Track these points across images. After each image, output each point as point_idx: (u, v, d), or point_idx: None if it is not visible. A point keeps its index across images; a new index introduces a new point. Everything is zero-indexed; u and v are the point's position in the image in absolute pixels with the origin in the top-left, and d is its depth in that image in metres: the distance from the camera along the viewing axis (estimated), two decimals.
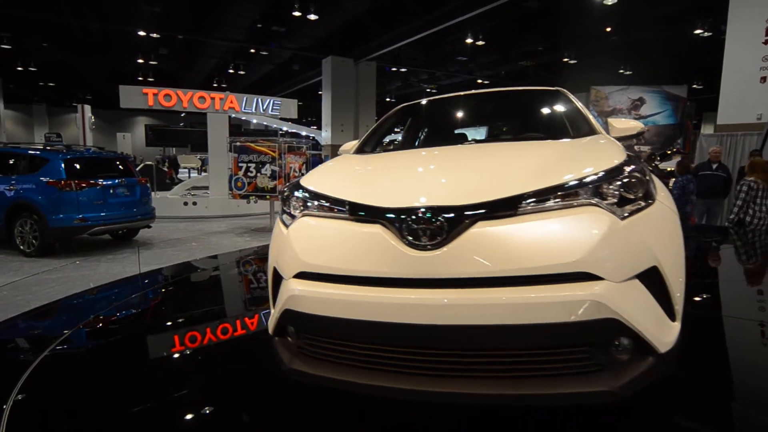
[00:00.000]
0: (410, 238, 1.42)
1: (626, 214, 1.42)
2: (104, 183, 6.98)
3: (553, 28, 17.43)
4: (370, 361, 1.47)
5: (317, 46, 20.57)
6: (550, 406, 1.41)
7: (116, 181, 7.17)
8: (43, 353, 2.30)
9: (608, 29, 17.43)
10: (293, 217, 1.76)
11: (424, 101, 3.09)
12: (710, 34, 15.83)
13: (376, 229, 1.49)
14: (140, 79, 23.90)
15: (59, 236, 6.93)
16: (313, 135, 23.54)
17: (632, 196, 1.46)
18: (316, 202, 1.71)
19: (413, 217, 1.42)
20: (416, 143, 2.92)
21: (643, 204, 1.47)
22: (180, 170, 23.56)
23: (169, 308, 3.40)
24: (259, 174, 8.53)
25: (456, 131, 2.98)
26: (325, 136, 22.98)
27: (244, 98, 10.72)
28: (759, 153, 6.28)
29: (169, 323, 2.96)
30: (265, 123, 21.62)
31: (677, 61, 18.28)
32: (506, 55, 20.66)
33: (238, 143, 8.53)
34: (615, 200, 1.44)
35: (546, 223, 1.39)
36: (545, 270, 1.31)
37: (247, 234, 8.55)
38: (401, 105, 3.06)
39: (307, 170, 9.64)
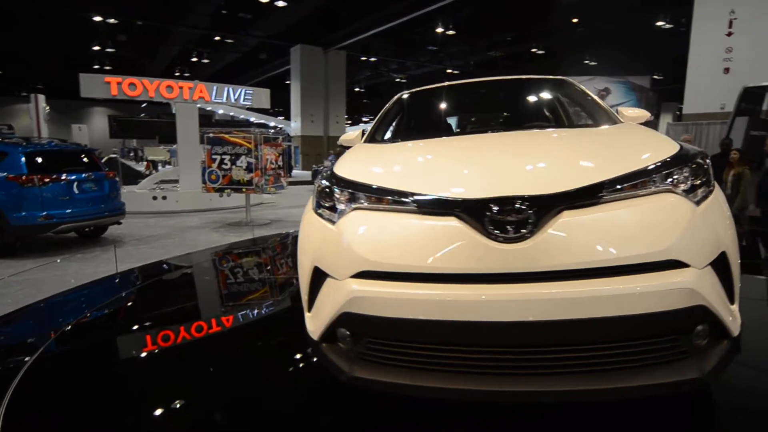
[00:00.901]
0: (495, 230, 1.32)
1: (698, 200, 1.42)
2: (69, 178, 6.56)
3: (522, 19, 17.61)
4: (448, 363, 1.38)
5: (285, 33, 20.09)
6: (635, 399, 1.38)
7: (82, 175, 6.75)
8: (35, 354, 2.13)
9: (575, 20, 17.78)
10: (337, 211, 1.60)
11: (433, 88, 2.97)
12: (671, 26, 16.39)
13: (453, 222, 1.38)
14: (97, 67, 22.72)
15: (22, 235, 6.49)
16: (281, 126, 23.09)
17: (699, 182, 1.46)
18: (368, 195, 1.56)
19: (498, 208, 1.33)
20: (437, 131, 2.80)
21: (707, 189, 1.47)
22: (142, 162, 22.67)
23: (166, 310, 3.22)
24: (234, 166, 8.24)
25: (473, 118, 2.91)
26: (294, 126, 22.58)
27: (214, 87, 10.32)
28: (729, 140, 6.57)
29: (171, 327, 2.79)
30: (231, 114, 21.10)
31: (640, 52, 18.85)
32: (476, 45, 20.78)
33: (211, 134, 8.21)
34: (686, 186, 1.43)
35: (631, 211, 1.35)
36: (638, 259, 1.28)
37: (223, 228, 8.28)
38: (406, 92, 2.94)
39: (284, 162, 9.43)
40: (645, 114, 2.42)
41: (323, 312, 1.55)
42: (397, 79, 26.98)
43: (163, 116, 13.05)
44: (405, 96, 2.92)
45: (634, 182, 1.40)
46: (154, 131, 11.89)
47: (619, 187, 1.38)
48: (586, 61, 21.17)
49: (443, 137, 2.23)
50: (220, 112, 20.19)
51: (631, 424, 1.48)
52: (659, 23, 16.30)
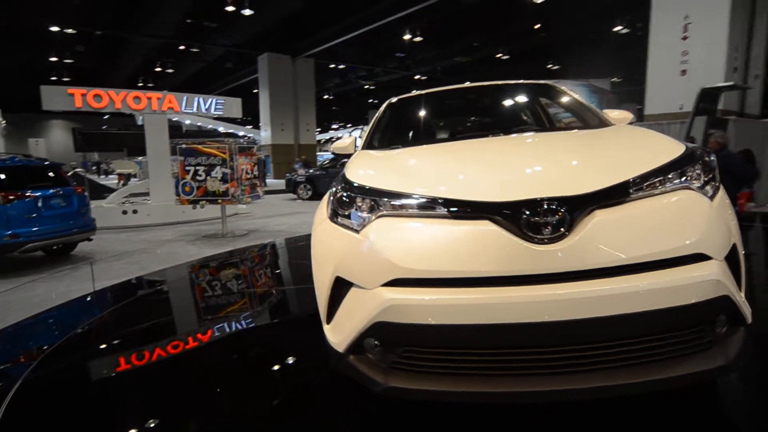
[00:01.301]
0: (531, 232, 1.34)
1: (710, 195, 1.50)
2: (36, 194, 6.28)
3: (487, 25, 18.02)
4: (487, 366, 1.38)
5: (252, 42, 19.89)
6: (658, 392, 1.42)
7: (50, 191, 6.47)
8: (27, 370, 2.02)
9: (537, 26, 18.32)
10: (360, 219, 1.57)
11: (429, 93, 2.98)
12: (628, 31, 17.10)
13: (488, 226, 1.38)
14: (54, 78, 21.86)
15: None
16: (251, 135, 22.76)
17: (709, 178, 1.54)
18: (394, 202, 1.54)
19: (533, 209, 1.35)
20: (439, 136, 2.79)
21: (716, 185, 1.55)
22: (109, 176, 21.78)
23: (159, 325, 3.11)
24: (209, 177, 8.05)
25: (473, 123, 2.94)
26: (264, 135, 22.29)
27: (184, 98, 10.09)
28: (692, 138, 6.88)
29: (168, 343, 2.70)
30: (198, 123, 20.65)
31: (600, 56, 19.56)
32: (443, 51, 21.09)
33: (184, 146, 8.01)
34: (700, 183, 1.51)
35: (658, 208, 1.41)
36: (669, 254, 1.33)
37: (199, 241, 8.07)
38: (396, 98, 2.95)
39: (260, 171, 9.29)
40: (629, 115, 2.53)
41: (350, 323, 1.51)
42: (366, 86, 27.10)
43: (131, 128, 12.65)
44: (398, 101, 2.93)
45: (656, 180, 1.47)
46: (122, 143, 11.51)
47: (643, 185, 1.45)
48: (549, 66, 21.80)
49: (451, 141, 2.24)
50: (187, 122, 19.74)
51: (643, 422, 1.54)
52: (617, 28, 16.97)
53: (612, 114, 2.50)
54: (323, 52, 20.87)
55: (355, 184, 1.69)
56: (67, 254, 7.36)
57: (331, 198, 1.75)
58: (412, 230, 1.48)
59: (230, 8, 15.29)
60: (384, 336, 1.46)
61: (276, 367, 2.17)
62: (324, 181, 14.41)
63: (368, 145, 2.55)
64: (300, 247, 6.38)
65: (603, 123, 2.31)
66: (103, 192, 13.36)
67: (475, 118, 3.29)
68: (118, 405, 1.97)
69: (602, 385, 1.31)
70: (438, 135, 2.63)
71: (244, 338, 2.75)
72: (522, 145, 2.07)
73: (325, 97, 28.93)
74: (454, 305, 1.34)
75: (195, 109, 10.23)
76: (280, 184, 18.07)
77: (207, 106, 10.44)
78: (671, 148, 1.63)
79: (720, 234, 1.42)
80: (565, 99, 2.66)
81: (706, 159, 1.57)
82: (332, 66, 23.09)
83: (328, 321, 1.64)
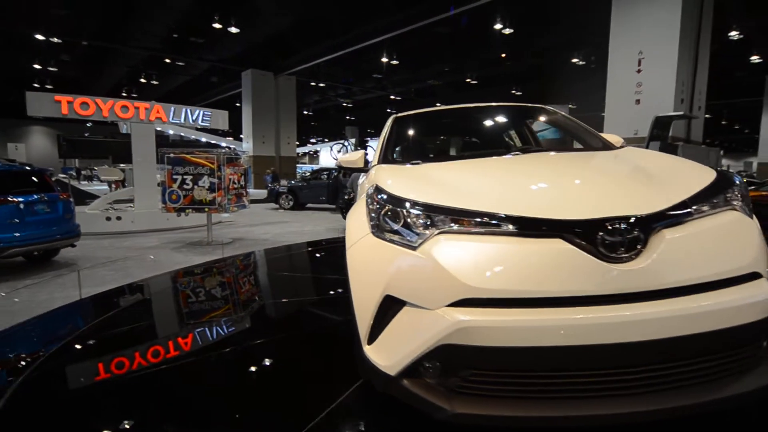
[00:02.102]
0: (606, 251, 1.26)
1: (748, 215, 1.48)
2: (20, 200, 5.83)
3: (458, 52, 18.29)
4: (561, 389, 1.26)
5: (237, 58, 19.51)
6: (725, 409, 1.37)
7: (34, 196, 6.02)
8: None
9: (503, 55, 18.74)
10: (415, 235, 1.42)
11: (433, 111, 2.89)
12: (584, 63, 17.71)
13: (560, 244, 1.28)
14: (36, 85, 20.80)
15: None
16: (233, 146, 22.26)
17: (744, 199, 1.52)
18: (452, 217, 1.40)
19: (608, 228, 1.28)
20: (451, 152, 2.68)
21: (749, 206, 1.53)
22: (93, 182, 20.72)
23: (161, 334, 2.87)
24: (196, 186, 7.73)
25: (478, 141, 2.88)
26: (246, 147, 21.86)
27: (172, 108, 9.70)
28: None
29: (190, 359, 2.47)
30: (181, 134, 20.04)
31: (558, 84, 20.16)
32: (417, 74, 21.26)
33: (172, 155, 7.67)
34: (739, 203, 1.49)
35: (713, 228, 1.38)
36: (732, 273, 1.30)
37: (184, 248, 7.71)
38: (405, 114, 2.85)
39: (246, 182, 9.00)
40: (619, 139, 2.52)
41: (404, 344, 1.35)
42: (344, 104, 27.01)
43: (117, 136, 12.08)
44: (406, 117, 2.84)
45: (706, 201, 1.44)
46: (107, 151, 10.96)
47: (698, 205, 1.41)
48: (513, 91, 22.31)
49: (483, 158, 2.14)
50: (171, 132, 19.11)
51: None
52: (574, 60, 17.54)
53: (609, 138, 2.48)
54: (305, 71, 20.71)
55: (405, 199, 1.53)
56: (49, 260, 6.87)
57: (372, 212, 1.59)
58: (481, 248, 1.34)
59: (217, 26, 14.98)
60: (450, 359, 1.30)
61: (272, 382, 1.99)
62: (305, 192, 14.16)
63: (383, 159, 2.42)
64: (290, 257, 6.17)
65: (608, 146, 2.28)
66: (85, 198, 12.68)
67: (491, 137, 3.24)
68: (106, 416, 1.75)
69: (671, 407, 1.23)
70: (454, 152, 2.53)
71: (250, 352, 2.55)
72: (560, 164, 1.99)
73: (305, 112, 28.66)
74: (532, 327, 1.22)
75: (182, 120, 9.85)
76: (262, 193, 17.66)
77: (194, 117, 10.07)
78: (704, 170, 1.63)
79: (764, 251, 1.39)
80: (569, 122, 2.63)
81: (739, 181, 1.54)
82: (313, 84, 22.91)
83: (370, 341, 1.48)
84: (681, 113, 8.67)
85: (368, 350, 1.49)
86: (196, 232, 9.39)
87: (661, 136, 8.57)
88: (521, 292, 1.26)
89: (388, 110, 28.30)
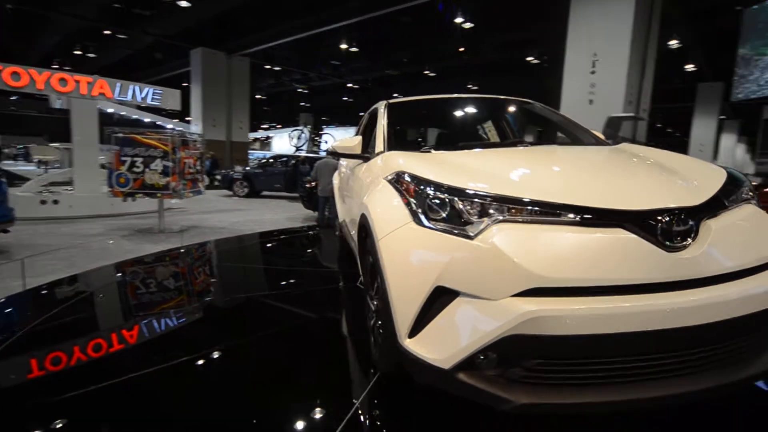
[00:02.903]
0: (664, 240, 1.33)
1: (761, 207, 1.63)
2: None
3: (417, 43, 18.34)
4: (624, 374, 1.30)
5: (186, 35, 18.38)
6: None
7: None
8: None
9: (461, 49, 19.00)
10: (469, 223, 1.40)
11: (432, 99, 2.90)
12: (538, 61, 18.36)
13: (623, 233, 1.32)
14: None
15: None
16: (181, 128, 21.07)
17: (753, 194, 1.67)
18: (510, 206, 1.39)
19: (666, 218, 1.34)
20: (460, 141, 2.68)
21: (756, 199, 1.68)
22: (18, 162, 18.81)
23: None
24: (147, 169, 7.22)
25: (495, 131, 2.91)
26: (194, 130, 20.76)
27: (118, 84, 8.97)
28: None
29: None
30: (122, 112, 18.69)
31: (514, 81, 20.77)
32: (375, 63, 21.09)
33: (120, 135, 7.11)
34: (750, 197, 1.65)
35: (742, 218, 1.51)
36: (765, 259, 1.43)
37: (134, 236, 7.20)
38: (400, 100, 2.80)
39: (202, 166, 8.54)
40: (602, 136, 2.65)
41: (459, 336, 1.32)
42: (299, 89, 26.32)
43: (54, 112, 11.00)
44: (403, 105, 2.80)
45: (731, 195, 1.57)
46: (42, 128, 9.96)
47: (729, 198, 1.54)
48: (469, 86, 22.73)
49: (508, 148, 2.18)
50: (109, 110, 17.76)
51: None
52: (529, 58, 18.14)
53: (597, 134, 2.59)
54: (260, 53, 19.93)
55: (455, 188, 1.49)
56: None
57: (414, 200, 1.53)
58: (545, 237, 1.33)
59: None
60: (516, 349, 1.28)
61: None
62: (261, 179, 13.70)
63: (390, 146, 2.35)
64: (255, 246, 5.93)
65: (600, 141, 2.40)
66: (13, 179, 11.50)
67: (496, 127, 3.30)
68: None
69: (724, 383, 1.33)
70: (458, 141, 2.52)
71: (221, 352, 2.42)
72: (588, 156, 2.05)
73: (257, 96, 27.66)
74: (605, 314, 1.24)
75: (130, 98, 9.17)
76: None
77: (143, 95, 9.40)
78: (713, 166, 1.77)
79: None
80: (562, 117, 2.70)
81: (745, 178, 1.71)
82: (267, 67, 22.12)
83: (412, 334, 1.42)
84: (632, 114, 9.21)
85: (409, 343, 1.45)
86: (145, 218, 8.83)
87: (613, 135, 9.07)
88: (589, 281, 1.28)
89: (345, 98, 27.94)
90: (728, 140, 22.33)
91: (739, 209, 1.55)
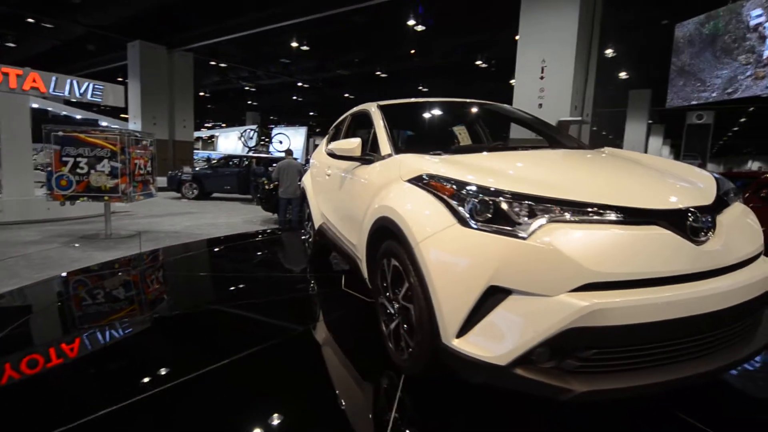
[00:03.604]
0: (693, 235, 1.51)
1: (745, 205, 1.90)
2: None
3: (369, 44, 18.41)
4: (668, 356, 1.45)
5: (122, 26, 17.24)
6: None
7: None
8: None
9: (412, 51, 19.31)
10: (518, 224, 1.46)
11: (424, 102, 2.96)
12: (486, 65, 19.04)
13: (658, 230, 1.48)
14: None
15: None
16: (117, 126, 19.75)
17: (737, 194, 1.92)
18: (558, 207, 1.48)
19: (692, 216, 1.53)
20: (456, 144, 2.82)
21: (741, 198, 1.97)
22: None
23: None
24: (93, 171, 6.72)
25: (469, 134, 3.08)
26: (134, 129, 19.52)
27: (53, 78, 8.22)
28: None
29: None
30: (49, 108, 17.19)
31: (462, 84, 21.42)
32: (327, 63, 20.92)
33: (61, 133, 6.56)
34: (738, 197, 1.90)
35: (738, 215, 1.75)
36: (761, 248, 1.70)
37: (79, 243, 6.67)
38: (392, 103, 2.82)
39: (153, 167, 8.04)
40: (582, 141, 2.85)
41: (516, 332, 1.39)
42: (247, 87, 25.52)
43: None
44: (394, 107, 2.83)
45: (728, 195, 1.80)
46: None
47: (727, 197, 1.78)
48: (420, 88, 23.14)
49: (524, 151, 2.28)
50: (35, 105, 16.26)
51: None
52: (478, 62, 18.77)
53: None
54: (204, 48, 19.12)
55: (500, 190, 1.56)
56: None
57: (457, 203, 1.59)
58: (595, 235, 1.44)
59: None
60: (574, 341, 1.37)
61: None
62: (212, 180, 13.16)
63: (397, 148, 2.36)
64: (220, 252, 5.69)
65: (582, 145, 2.58)
66: None
67: (475, 131, 3.38)
68: None
69: (745, 356, 1.55)
70: (457, 143, 2.63)
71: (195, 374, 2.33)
72: (600, 161, 2.19)
73: (201, 93, 26.49)
74: (657, 303, 1.38)
75: (67, 93, 8.46)
76: (161, 181, 15.95)
77: (82, 91, 8.71)
78: (702, 170, 2.02)
79: None
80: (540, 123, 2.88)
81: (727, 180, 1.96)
82: (213, 63, 21.25)
83: (461, 334, 1.46)
84: (579, 118, 9.80)
85: (458, 343, 1.48)
86: (86, 224, 8.21)
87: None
88: (636, 274, 1.41)
89: (294, 97, 27.44)
90: (655, 142, 24.35)
91: (734, 207, 1.78)
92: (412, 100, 3.01)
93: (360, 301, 3.21)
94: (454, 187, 1.64)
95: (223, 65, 21.68)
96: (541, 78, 10.88)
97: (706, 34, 8.31)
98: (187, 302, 3.52)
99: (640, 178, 1.85)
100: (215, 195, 13.58)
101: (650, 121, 21.85)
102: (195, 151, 23.39)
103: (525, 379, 1.39)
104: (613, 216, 1.49)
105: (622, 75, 18.41)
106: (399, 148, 2.38)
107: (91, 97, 8.77)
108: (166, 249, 5.88)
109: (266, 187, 8.86)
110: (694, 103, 9.05)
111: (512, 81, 11.76)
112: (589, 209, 1.50)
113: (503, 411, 1.77)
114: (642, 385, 1.41)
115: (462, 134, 3.80)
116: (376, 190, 2.18)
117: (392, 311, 1.99)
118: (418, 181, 1.82)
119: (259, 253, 5.65)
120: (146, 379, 2.01)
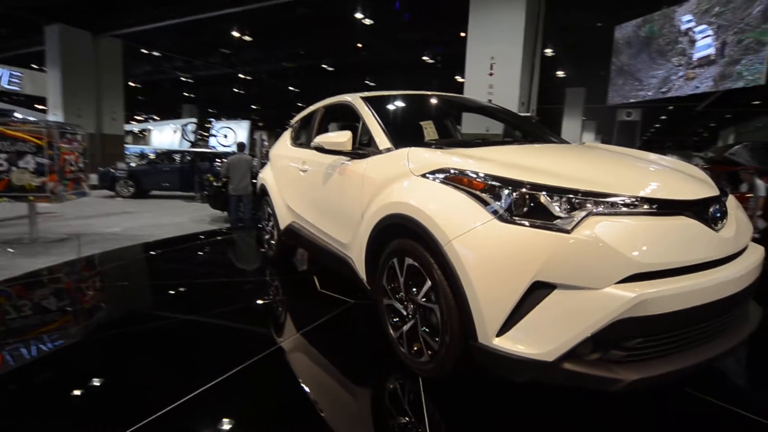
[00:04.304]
0: (712, 224, 1.61)
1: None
2: None
3: (315, 36, 17.99)
4: (699, 338, 1.53)
5: (38, 7, 15.59)
6: None
7: None
8: None
9: (359, 45, 19.13)
10: (559, 218, 1.45)
11: (409, 95, 2.91)
12: (433, 61, 19.30)
13: (687, 220, 1.55)
14: None
15: None
16: (34, 118, 17.88)
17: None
18: (599, 200, 1.49)
19: (711, 206, 1.64)
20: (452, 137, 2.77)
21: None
22: None
23: None
24: (14, 168, 5.97)
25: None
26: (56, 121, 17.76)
27: None
28: None
29: None
30: None
31: (409, 79, 21.56)
32: (271, 54, 20.21)
33: None
34: (728, 189, 2.03)
35: (735, 206, 1.88)
36: (752, 236, 1.83)
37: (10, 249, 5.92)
38: (377, 95, 2.71)
39: (85, 163, 7.29)
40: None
41: (563, 327, 1.36)
42: (183, 78, 24.06)
43: None
44: (374, 99, 2.73)
45: (723, 187, 1.90)
46: None
47: (725, 189, 1.90)
48: (367, 82, 23.03)
49: (531, 145, 2.28)
50: None
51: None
52: (425, 58, 18.97)
53: None
54: (134, 34, 17.75)
55: (540, 185, 1.55)
56: None
57: (487, 197, 1.54)
58: (635, 227, 1.46)
59: None
60: (623, 332, 1.37)
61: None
62: (150, 177, 12.26)
63: (395, 142, 2.25)
64: (171, 255, 5.26)
65: (563, 141, 2.65)
66: None
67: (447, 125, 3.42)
68: None
69: (739, 341, 1.64)
70: (443, 137, 2.64)
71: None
72: (606, 154, 2.21)
73: (132, 84, 24.65)
74: (695, 290, 1.45)
75: None
76: (92, 179, 14.62)
77: None
78: (691, 165, 2.15)
79: None
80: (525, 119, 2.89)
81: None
82: (144, 51, 19.82)
83: (501, 333, 1.42)
84: (529, 114, 10.15)
85: (499, 342, 1.44)
86: (11, 227, 7.32)
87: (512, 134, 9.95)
88: (676, 263, 1.46)
89: (236, 89, 26.30)
90: (588, 138, 25.98)
91: (730, 198, 1.92)
92: (396, 92, 2.94)
93: (341, 302, 3.07)
94: (489, 182, 1.59)
95: (156, 54, 20.30)
96: (491, 74, 11.15)
97: (643, 36, 8.89)
98: (137, 317, 3.18)
99: (657, 172, 1.90)
100: (154, 193, 12.68)
101: (584, 118, 23.23)
102: (126, 145, 21.74)
103: (574, 373, 1.38)
104: (647, 208, 1.52)
105: (560, 73, 19.36)
106: (396, 140, 2.26)
107: (8, 85, 7.80)
108: (105, 254, 5.37)
109: (214, 183, 8.37)
110: (632, 101, 9.66)
111: (458, 77, 11.96)
112: (627, 202, 1.52)
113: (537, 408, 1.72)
114: (684, 367, 1.46)
115: (429, 129, 3.76)
116: (378, 186, 2.06)
117: (405, 313, 1.89)
118: (438, 175, 1.75)
119: (216, 256, 5.30)
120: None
